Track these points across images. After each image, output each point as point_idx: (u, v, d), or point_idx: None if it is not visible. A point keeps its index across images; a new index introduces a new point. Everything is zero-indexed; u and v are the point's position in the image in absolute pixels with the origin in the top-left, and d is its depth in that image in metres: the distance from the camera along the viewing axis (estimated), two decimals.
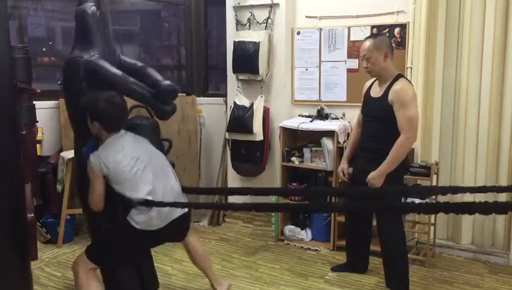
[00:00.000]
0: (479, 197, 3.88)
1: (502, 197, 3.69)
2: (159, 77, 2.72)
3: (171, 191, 2.66)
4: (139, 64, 2.86)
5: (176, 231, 2.79)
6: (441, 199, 3.89)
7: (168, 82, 2.69)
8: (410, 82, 3.19)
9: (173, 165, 4.51)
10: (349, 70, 4.14)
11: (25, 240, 2.40)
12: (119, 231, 2.63)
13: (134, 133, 2.73)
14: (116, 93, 2.58)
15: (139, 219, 2.52)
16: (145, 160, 2.59)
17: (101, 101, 2.51)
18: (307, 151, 4.07)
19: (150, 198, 2.49)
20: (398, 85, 2.99)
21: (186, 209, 2.72)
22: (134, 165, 2.52)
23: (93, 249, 2.65)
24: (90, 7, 2.73)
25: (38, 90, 3.96)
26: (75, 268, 2.62)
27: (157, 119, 4.32)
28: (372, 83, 3.21)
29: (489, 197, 3.98)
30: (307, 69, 4.34)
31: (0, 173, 2.18)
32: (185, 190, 2.81)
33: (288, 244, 4.12)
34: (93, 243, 2.78)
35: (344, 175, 3.38)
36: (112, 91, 2.57)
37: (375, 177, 2.99)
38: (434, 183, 3.60)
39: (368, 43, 3.05)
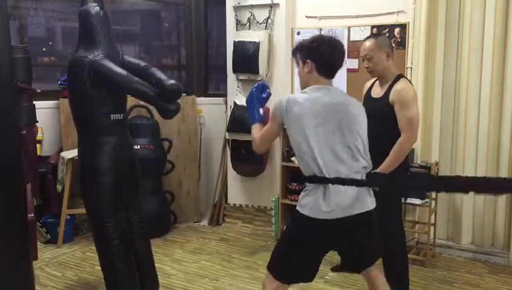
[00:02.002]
0: (479, 198, 3.90)
1: (502, 197, 3.70)
2: (163, 76, 2.73)
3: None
4: (143, 64, 2.87)
5: (357, 237, 2.19)
6: (441, 199, 3.89)
7: (172, 81, 2.70)
8: (410, 82, 3.18)
9: (173, 165, 4.57)
10: (349, 71, 4.15)
11: (25, 239, 2.40)
12: (293, 222, 2.28)
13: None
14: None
15: (303, 202, 2.15)
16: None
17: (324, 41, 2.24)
18: None
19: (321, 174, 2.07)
20: (399, 85, 2.99)
21: (369, 207, 2.17)
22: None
23: (271, 255, 2.30)
24: (94, 7, 2.74)
25: (38, 90, 3.97)
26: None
27: (157, 119, 4.34)
28: (373, 84, 3.21)
29: (488, 198, 3.98)
30: None
31: (1, 173, 2.18)
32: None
33: None
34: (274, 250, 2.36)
35: None
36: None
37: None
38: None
39: (369, 43, 3.04)
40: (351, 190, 2.11)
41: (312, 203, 2.11)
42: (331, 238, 2.17)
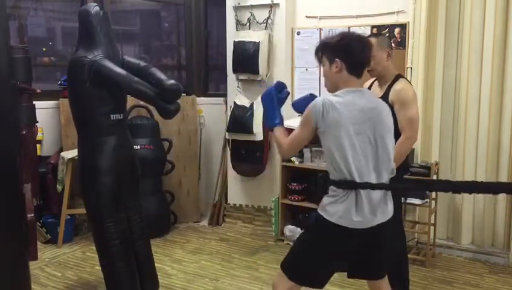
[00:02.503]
0: (479, 198, 3.90)
1: (501, 197, 3.69)
2: (163, 76, 2.73)
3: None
4: (143, 64, 2.87)
5: (378, 245, 2.16)
6: (441, 199, 3.89)
7: (172, 81, 2.70)
8: (409, 82, 3.18)
9: (173, 165, 4.56)
10: None
11: (23, 240, 2.40)
12: (314, 225, 2.19)
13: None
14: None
15: (331, 209, 2.05)
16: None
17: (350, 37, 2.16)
18: (306, 151, 4.06)
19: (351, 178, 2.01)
20: (399, 85, 2.98)
21: (387, 217, 2.13)
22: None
23: (287, 256, 2.23)
24: (94, 7, 2.74)
25: (38, 90, 3.97)
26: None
27: (157, 119, 4.34)
28: (371, 84, 3.20)
29: (488, 198, 3.98)
30: (307, 69, 4.34)
31: (1, 173, 2.18)
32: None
33: (288, 244, 4.11)
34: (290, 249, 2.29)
35: None
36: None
37: None
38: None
39: (370, 42, 3.03)
40: (378, 198, 2.06)
41: (343, 212, 2.02)
42: (355, 247, 2.11)
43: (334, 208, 2.04)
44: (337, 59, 2.10)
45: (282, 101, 2.34)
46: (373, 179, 2.05)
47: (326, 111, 2.03)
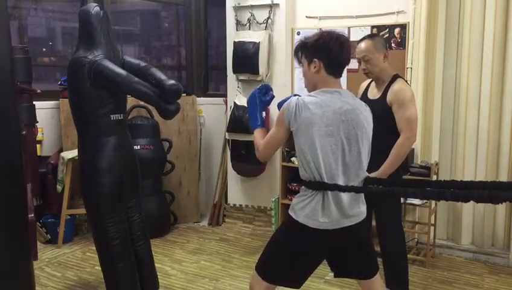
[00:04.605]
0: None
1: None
2: (163, 76, 2.72)
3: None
4: (143, 64, 2.86)
5: (349, 246, 2.15)
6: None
7: (172, 81, 2.69)
8: (407, 82, 3.18)
9: (173, 165, 4.56)
10: (349, 71, 4.12)
11: (25, 240, 2.40)
12: (285, 228, 2.18)
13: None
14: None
15: (298, 209, 2.06)
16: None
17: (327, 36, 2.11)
18: None
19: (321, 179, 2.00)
20: (396, 85, 2.98)
21: (360, 218, 2.11)
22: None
23: (260, 256, 2.23)
24: (94, 7, 2.74)
25: (38, 91, 3.97)
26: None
27: (157, 120, 4.34)
28: (368, 85, 3.19)
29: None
30: None
31: (1, 173, 2.18)
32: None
33: None
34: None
35: None
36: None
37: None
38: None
39: (366, 44, 3.02)
40: (348, 200, 2.04)
41: (309, 212, 2.02)
42: (323, 248, 2.10)
43: (302, 208, 2.05)
44: (315, 59, 2.08)
45: (265, 104, 2.35)
46: (341, 183, 2.02)
47: (299, 111, 2.01)
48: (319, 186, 2.01)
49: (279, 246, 2.16)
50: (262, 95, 2.33)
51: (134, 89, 2.67)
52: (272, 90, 2.40)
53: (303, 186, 2.09)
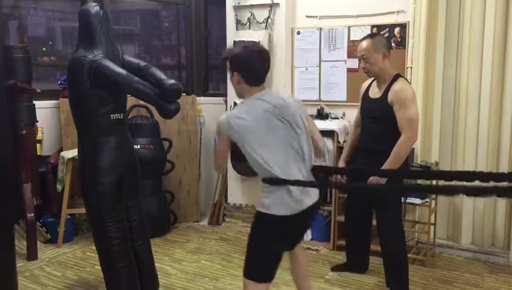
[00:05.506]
0: (479, 198, 3.89)
1: (501, 198, 3.70)
2: (163, 76, 2.72)
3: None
4: (143, 63, 2.86)
5: (303, 227, 2.47)
6: (441, 199, 3.89)
7: (172, 81, 2.70)
8: (408, 82, 3.18)
9: (173, 165, 4.56)
10: (349, 70, 4.14)
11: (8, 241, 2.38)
12: (260, 225, 2.30)
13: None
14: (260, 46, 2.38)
15: (267, 203, 2.21)
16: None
17: (242, 49, 2.31)
18: None
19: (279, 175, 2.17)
20: (398, 85, 2.98)
21: (314, 199, 2.31)
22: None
23: (245, 261, 2.40)
24: (94, 7, 2.74)
25: (38, 90, 3.96)
26: None
27: (157, 119, 4.34)
28: (370, 84, 3.20)
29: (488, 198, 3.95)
30: (306, 69, 4.35)
31: None
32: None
33: None
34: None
35: (342, 177, 3.37)
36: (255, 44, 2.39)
37: (379, 178, 2.98)
38: (434, 183, 3.59)
39: (366, 43, 3.03)
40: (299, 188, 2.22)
41: (278, 202, 2.18)
42: (295, 229, 2.33)
43: (270, 202, 2.20)
44: (235, 72, 2.26)
45: None
46: (295, 171, 2.19)
47: (233, 122, 2.20)
48: (278, 181, 2.17)
49: (260, 244, 2.31)
50: None
51: (134, 89, 2.67)
52: None
53: (264, 184, 2.24)
